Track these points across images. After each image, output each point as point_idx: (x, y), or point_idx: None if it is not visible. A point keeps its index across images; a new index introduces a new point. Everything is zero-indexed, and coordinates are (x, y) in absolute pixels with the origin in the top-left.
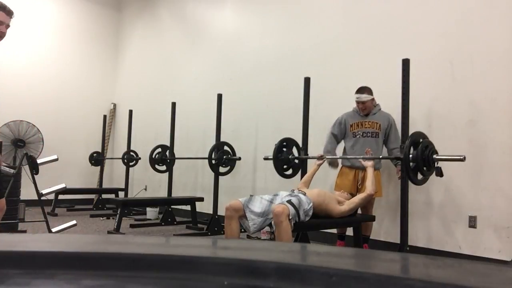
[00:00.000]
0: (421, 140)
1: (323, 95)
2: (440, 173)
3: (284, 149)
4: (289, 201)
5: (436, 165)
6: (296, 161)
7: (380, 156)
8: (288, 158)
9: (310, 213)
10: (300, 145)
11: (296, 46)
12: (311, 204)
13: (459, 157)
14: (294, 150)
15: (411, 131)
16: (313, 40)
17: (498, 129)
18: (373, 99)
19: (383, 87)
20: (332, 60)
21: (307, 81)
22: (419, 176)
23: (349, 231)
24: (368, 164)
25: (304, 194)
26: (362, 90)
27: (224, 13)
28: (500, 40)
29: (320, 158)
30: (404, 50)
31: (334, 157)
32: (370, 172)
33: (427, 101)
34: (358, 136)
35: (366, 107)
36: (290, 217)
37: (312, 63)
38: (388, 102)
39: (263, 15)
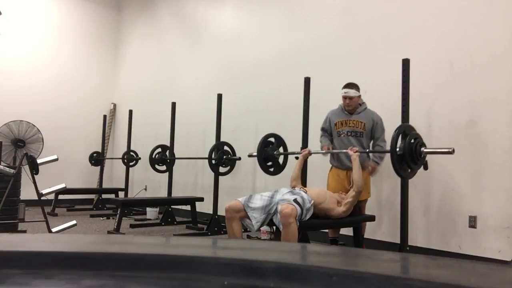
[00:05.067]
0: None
1: (323, 95)
2: (425, 166)
3: (271, 146)
4: (295, 200)
5: (424, 158)
6: (281, 157)
7: (366, 155)
8: (273, 155)
9: (311, 213)
10: (299, 143)
11: (296, 46)
12: (312, 202)
13: (447, 150)
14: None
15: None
16: (313, 40)
17: (498, 129)
18: (359, 97)
19: (383, 87)
20: (332, 60)
21: (307, 81)
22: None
23: (349, 231)
24: (354, 155)
25: (305, 192)
26: (350, 85)
27: (224, 13)
28: (500, 40)
29: (305, 152)
30: (404, 50)
31: (320, 151)
32: (355, 165)
33: (427, 101)
34: (342, 135)
35: (352, 103)
36: (297, 218)
37: (312, 63)
38: (388, 102)
39: (263, 15)
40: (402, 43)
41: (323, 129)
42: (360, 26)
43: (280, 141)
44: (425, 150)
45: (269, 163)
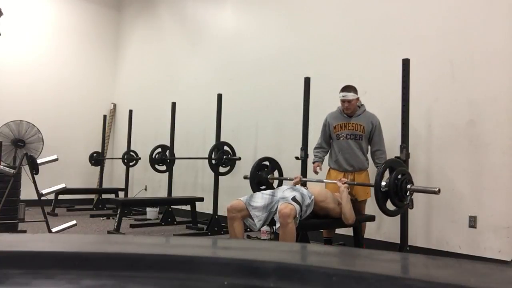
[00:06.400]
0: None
1: (323, 95)
2: (411, 205)
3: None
4: (294, 199)
5: (409, 196)
6: (276, 182)
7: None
8: (267, 179)
9: (311, 208)
10: (299, 143)
11: (296, 46)
12: (312, 197)
13: (433, 190)
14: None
15: (411, 131)
16: (313, 40)
17: (498, 129)
18: (358, 99)
19: (383, 87)
20: (332, 60)
21: (307, 81)
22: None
23: (349, 231)
24: (342, 186)
25: (306, 188)
26: (348, 88)
27: (224, 13)
28: (500, 40)
29: (296, 180)
30: (404, 50)
31: (311, 180)
32: (344, 198)
33: (427, 101)
34: (341, 138)
35: (350, 107)
36: (296, 216)
37: (312, 63)
38: (388, 102)
39: (263, 15)
40: (402, 43)
41: (323, 130)
42: (360, 26)
43: (275, 165)
44: (412, 187)
45: (263, 187)
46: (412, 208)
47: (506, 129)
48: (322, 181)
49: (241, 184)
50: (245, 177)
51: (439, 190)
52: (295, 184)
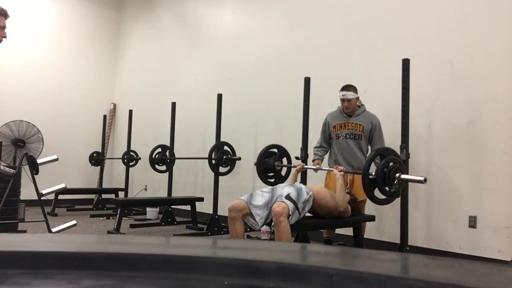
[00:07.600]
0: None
1: (323, 95)
2: (398, 194)
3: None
4: (287, 196)
5: (397, 185)
6: (284, 169)
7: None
8: (273, 166)
9: (310, 204)
10: (299, 143)
11: (296, 46)
12: (310, 193)
13: (419, 179)
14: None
15: (411, 131)
16: (313, 40)
17: (498, 129)
18: (357, 98)
19: (383, 87)
20: (332, 60)
21: (307, 81)
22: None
23: (349, 231)
24: (337, 174)
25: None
26: (348, 87)
27: (224, 13)
28: (500, 40)
29: (299, 167)
30: (404, 50)
31: (311, 167)
32: (338, 185)
33: (427, 101)
34: (341, 138)
35: (350, 106)
36: (290, 213)
37: (312, 63)
38: (388, 102)
39: (263, 15)
40: (402, 43)
41: (323, 130)
42: (360, 26)
43: (282, 152)
44: (400, 176)
45: (271, 174)
46: (399, 196)
47: (506, 129)
48: (321, 169)
49: (241, 184)
50: (255, 164)
51: (425, 179)
52: (297, 171)
